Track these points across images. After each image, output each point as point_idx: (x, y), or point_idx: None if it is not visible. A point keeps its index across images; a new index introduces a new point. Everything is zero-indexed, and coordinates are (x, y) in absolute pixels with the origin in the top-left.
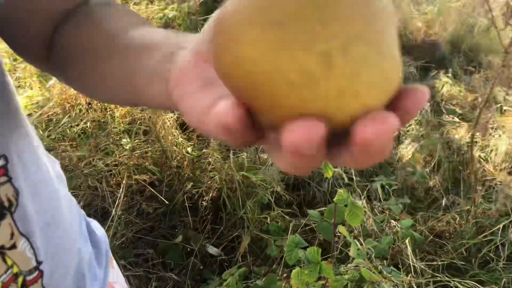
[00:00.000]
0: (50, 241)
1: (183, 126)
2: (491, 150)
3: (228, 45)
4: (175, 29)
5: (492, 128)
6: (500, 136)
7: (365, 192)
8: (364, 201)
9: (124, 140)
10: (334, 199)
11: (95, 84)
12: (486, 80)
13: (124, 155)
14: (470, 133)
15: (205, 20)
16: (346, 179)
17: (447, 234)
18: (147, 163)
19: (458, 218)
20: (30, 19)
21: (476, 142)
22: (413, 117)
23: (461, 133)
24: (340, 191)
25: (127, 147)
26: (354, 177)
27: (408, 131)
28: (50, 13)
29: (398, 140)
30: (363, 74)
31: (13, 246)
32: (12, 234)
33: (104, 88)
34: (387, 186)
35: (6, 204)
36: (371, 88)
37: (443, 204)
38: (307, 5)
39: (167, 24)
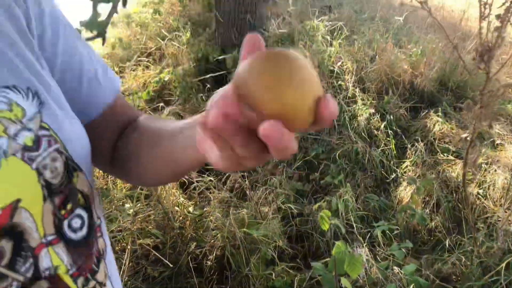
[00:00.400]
0: None
1: (183, 186)
2: (489, 186)
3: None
4: (171, 91)
5: (487, 163)
6: (495, 171)
7: (366, 239)
8: (366, 248)
9: (127, 205)
10: (333, 252)
11: (148, 169)
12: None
13: (128, 220)
14: (462, 172)
15: (199, 81)
16: (343, 230)
17: (454, 277)
18: (150, 227)
19: (464, 259)
20: (104, 133)
21: (472, 179)
22: (330, 118)
23: (456, 171)
24: (338, 243)
25: (130, 212)
26: (354, 224)
27: (405, 172)
28: (118, 128)
29: (396, 182)
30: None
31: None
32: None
33: (155, 170)
34: (388, 232)
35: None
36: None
37: (447, 245)
38: (280, 73)
39: (164, 86)
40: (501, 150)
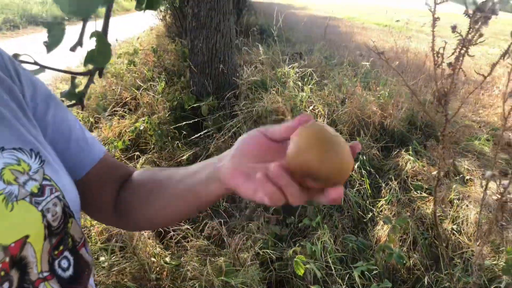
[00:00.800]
0: None
1: (160, 235)
2: (462, 221)
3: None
4: (147, 139)
5: (458, 199)
6: (467, 206)
7: (345, 281)
8: None
9: (101, 258)
10: None
11: (161, 211)
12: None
13: (102, 273)
14: (432, 209)
15: (175, 128)
16: (318, 274)
17: None
18: (125, 280)
19: None
20: (102, 188)
21: (446, 215)
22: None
23: (430, 208)
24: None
25: (105, 265)
26: (333, 266)
27: (381, 211)
28: (115, 182)
29: (373, 221)
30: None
31: None
32: None
33: (169, 210)
34: (367, 272)
35: None
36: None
37: (426, 282)
38: (325, 143)
39: (139, 135)
40: (471, 186)
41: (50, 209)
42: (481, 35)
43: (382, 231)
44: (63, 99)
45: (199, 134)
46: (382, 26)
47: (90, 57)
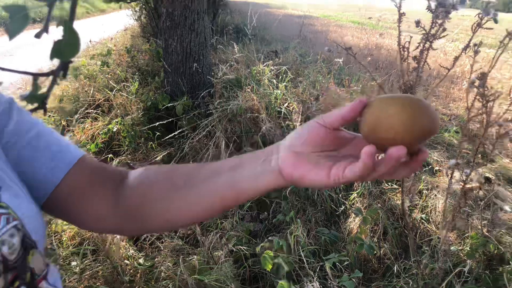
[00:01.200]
0: None
1: (133, 237)
2: (430, 211)
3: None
4: (120, 141)
5: (427, 189)
6: (435, 195)
7: (317, 272)
8: (317, 282)
9: (73, 263)
10: None
11: (185, 209)
12: None
13: (74, 278)
14: (401, 199)
15: (149, 129)
16: (286, 268)
17: None
18: (98, 283)
19: (411, 282)
20: (92, 195)
21: (416, 205)
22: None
23: (400, 199)
24: (281, 282)
25: (76, 270)
26: (305, 259)
27: (353, 204)
28: (107, 186)
29: (345, 214)
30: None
31: None
32: None
33: (199, 207)
34: (338, 264)
35: None
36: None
37: (395, 270)
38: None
39: (112, 137)
40: (440, 176)
41: (6, 241)
42: (444, 29)
43: (354, 223)
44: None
45: (173, 134)
46: (356, 24)
47: (57, 49)
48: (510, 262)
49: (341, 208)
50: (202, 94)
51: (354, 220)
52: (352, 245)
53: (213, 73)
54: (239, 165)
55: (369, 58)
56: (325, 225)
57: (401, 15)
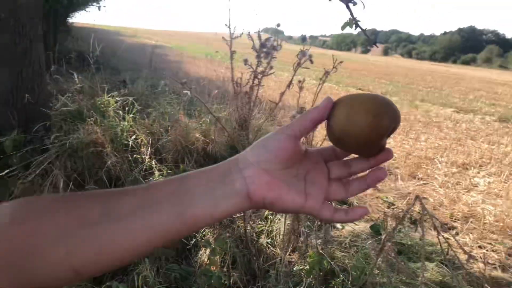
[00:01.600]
0: None
1: None
2: (275, 235)
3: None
4: None
5: (272, 214)
6: (279, 219)
7: None
8: None
9: None
10: None
11: (107, 246)
12: None
13: None
14: (243, 226)
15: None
16: None
17: None
18: None
19: None
20: None
21: (262, 230)
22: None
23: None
24: None
25: None
26: None
27: (204, 235)
28: None
29: (197, 247)
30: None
31: None
32: None
33: (127, 245)
34: None
35: None
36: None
37: None
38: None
39: None
40: None
41: None
42: (271, 68)
43: (205, 255)
44: None
45: (0, 174)
46: (209, 55)
47: None
48: (340, 275)
49: (192, 242)
50: (37, 127)
51: (206, 252)
52: (202, 278)
53: (50, 105)
54: (185, 190)
55: (216, 91)
56: (176, 261)
57: (232, 52)
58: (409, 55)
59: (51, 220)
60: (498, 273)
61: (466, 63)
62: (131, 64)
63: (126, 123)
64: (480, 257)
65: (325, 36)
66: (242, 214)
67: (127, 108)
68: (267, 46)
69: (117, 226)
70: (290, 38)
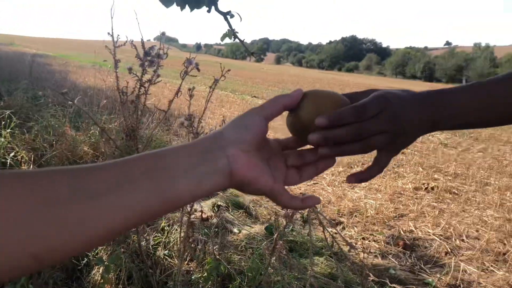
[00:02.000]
0: None
1: None
2: (173, 245)
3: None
4: None
5: (168, 225)
6: (176, 230)
7: None
8: None
9: None
10: None
11: (75, 228)
12: None
13: None
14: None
15: None
16: None
17: None
18: None
19: None
20: None
21: (159, 242)
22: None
23: (151, 238)
24: None
25: None
26: None
27: (97, 253)
28: None
29: (89, 266)
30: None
31: None
32: None
33: (101, 226)
34: None
35: None
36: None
37: None
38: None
39: None
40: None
41: None
42: (158, 76)
43: (98, 274)
44: None
45: None
46: (98, 65)
47: None
48: (237, 278)
49: (84, 261)
50: None
51: (99, 271)
52: None
53: None
54: (165, 166)
55: (105, 101)
56: (65, 284)
57: (116, 61)
58: (299, 63)
59: (7, 199)
60: (378, 260)
61: (350, 70)
62: (7, 74)
63: (2, 139)
64: (364, 248)
65: (220, 44)
66: (134, 228)
67: (3, 122)
68: (151, 54)
69: (89, 205)
70: (184, 47)
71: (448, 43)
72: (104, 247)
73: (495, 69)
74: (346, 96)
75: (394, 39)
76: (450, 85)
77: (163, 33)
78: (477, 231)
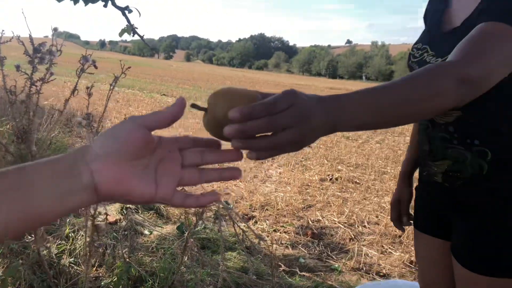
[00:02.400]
0: None
1: None
2: (79, 252)
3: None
4: None
5: (73, 232)
6: (82, 236)
7: None
8: None
9: None
10: None
11: None
12: None
13: None
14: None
15: None
16: None
17: None
18: None
19: None
20: None
21: (64, 250)
22: None
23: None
24: None
25: None
26: None
27: None
28: None
29: None
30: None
31: None
32: None
33: None
34: None
35: None
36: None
37: None
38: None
39: None
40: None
41: None
42: (52, 74)
43: None
44: None
45: None
46: None
47: None
48: (149, 280)
49: None
50: None
51: None
52: None
53: None
54: (27, 184)
55: None
56: None
57: (2, 58)
58: (210, 61)
59: None
60: (289, 251)
61: (260, 68)
62: None
63: None
64: (274, 240)
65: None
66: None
67: None
68: (41, 51)
69: None
70: (87, 44)
71: (349, 41)
72: (0, 259)
73: (390, 66)
74: (262, 95)
75: (299, 38)
76: (351, 82)
77: (55, 29)
78: (376, 216)
